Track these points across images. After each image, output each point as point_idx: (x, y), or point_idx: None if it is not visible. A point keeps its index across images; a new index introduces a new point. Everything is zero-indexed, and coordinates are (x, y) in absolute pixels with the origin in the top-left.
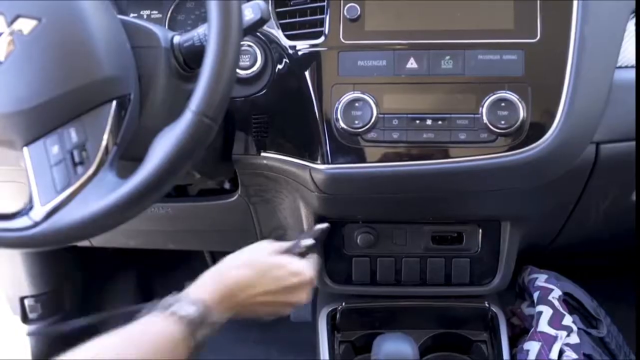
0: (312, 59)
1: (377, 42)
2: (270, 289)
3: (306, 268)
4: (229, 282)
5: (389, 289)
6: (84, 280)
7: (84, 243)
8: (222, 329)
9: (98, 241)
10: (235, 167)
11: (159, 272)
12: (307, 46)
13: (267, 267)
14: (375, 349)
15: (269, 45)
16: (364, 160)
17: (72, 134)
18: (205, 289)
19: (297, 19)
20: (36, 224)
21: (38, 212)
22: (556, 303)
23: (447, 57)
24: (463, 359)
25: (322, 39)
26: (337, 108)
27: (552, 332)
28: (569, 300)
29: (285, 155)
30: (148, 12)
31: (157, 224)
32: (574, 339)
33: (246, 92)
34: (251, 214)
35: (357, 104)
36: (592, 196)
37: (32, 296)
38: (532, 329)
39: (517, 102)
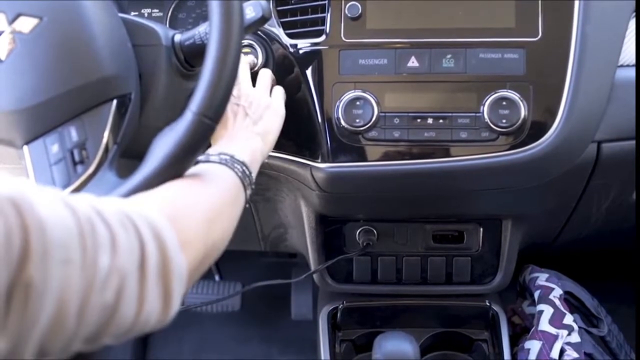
0: (313, 58)
1: (378, 40)
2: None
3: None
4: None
5: (390, 288)
6: None
7: None
8: None
9: None
10: None
11: None
12: (308, 45)
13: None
14: (376, 348)
15: (270, 43)
16: (365, 159)
17: (73, 133)
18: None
19: (298, 18)
20: None
21: None
22: (557, 302)
23: (449, 56)
24: (464, 358)
25: (323, 37)
26: (338, 107)
27: (553, 331)
28: (569, 299)
29: (286, 154)
30: (149, 10)
31: None
32: (575, 337)
33: None
34: (252, 212)
35: (358, 103)
36: (593, 195)
37: None
38: (533, 327)
39: (519, 100)
